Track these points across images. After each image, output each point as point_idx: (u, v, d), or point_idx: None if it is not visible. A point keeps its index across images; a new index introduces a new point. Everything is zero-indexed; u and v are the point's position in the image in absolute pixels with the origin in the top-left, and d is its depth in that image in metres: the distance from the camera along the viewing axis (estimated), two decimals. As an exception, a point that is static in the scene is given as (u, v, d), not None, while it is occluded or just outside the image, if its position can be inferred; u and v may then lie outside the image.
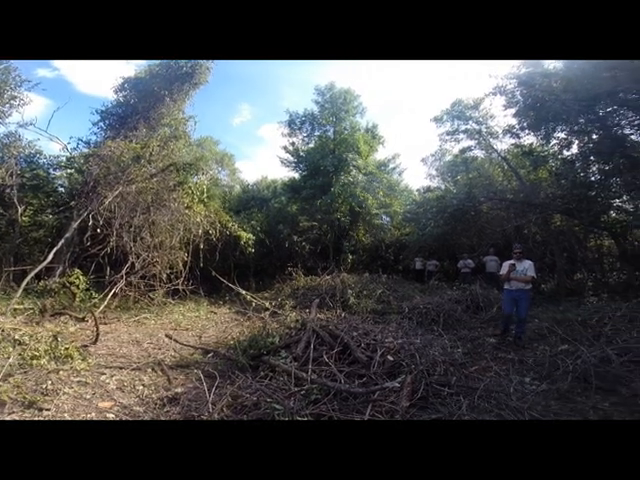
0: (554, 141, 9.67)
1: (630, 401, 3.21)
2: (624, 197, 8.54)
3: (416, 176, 20.71)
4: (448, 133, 14.47)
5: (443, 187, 16.70)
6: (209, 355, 5.20)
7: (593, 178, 8.71)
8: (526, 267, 5.46)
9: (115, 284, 8.28)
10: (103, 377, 4.05)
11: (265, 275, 14.06)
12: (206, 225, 10.21)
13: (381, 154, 17.75)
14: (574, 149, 9.28)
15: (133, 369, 4.38)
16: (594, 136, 8.51)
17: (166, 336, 6.01)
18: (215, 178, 19.64)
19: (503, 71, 11.20)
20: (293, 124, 16.85)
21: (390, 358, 3.90)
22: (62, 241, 8.19)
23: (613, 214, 8.93)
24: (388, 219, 16.82)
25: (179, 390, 3.76)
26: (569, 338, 4.80)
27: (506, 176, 13.41)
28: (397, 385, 3.23)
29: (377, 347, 4.26)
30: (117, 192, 8.61)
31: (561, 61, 9.00)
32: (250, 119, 47.63)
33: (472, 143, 14.09)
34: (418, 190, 18.58)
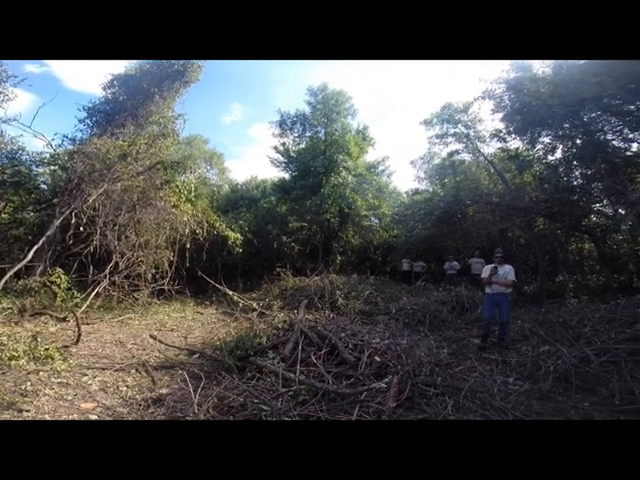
0: (539, 146, 9.92)
1: (609, 401, 3.30)
2: (604, 201, 8.83)
3: (405, 178, 21.01)
4: (437, 136, 14.70)
5: (431, 190, 16.91)
6: (195, 356, 5.13)
7: (575, 183, 8.99)
8: (507, 271, 5.48)
9: (98, 284, 8.09)
10: (85, 378, 3.96)
11: (253, 275, 13.96)
12: (193, 224, 10.08)
13: (371, 156, 17.94)
14: (558, 154, 9.56)
15: (116, 370, 4.30)
16: (578, 141, 8.74)
17: (150, 337, 5.90)
18: (203, 177, 19.43)
19: (493, 75, 11.42)
20: (284, 124, 16.80)
21: (377, 359, 3.93)
22: (43, 239, 7.95)
23: (594, 218, 9.22)
24: (377, 221, 16.94)
25: (164, 391, 3.71)
26: (550, 339, 4.93)
27: (492, 180, 13.68)
28: (384, 386, 3.26)
29: (364, 348, 4.28)
30: (102, 190, 8.42)
31: (550, 66, 9.19)
32: (241, 118, 47.30)
33: (460, 146, 14.34)
34: (406, 192, 18.75)
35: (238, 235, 11.91)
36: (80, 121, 11.44)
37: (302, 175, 15.87)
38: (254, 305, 8.53)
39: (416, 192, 17.45)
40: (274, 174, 23.00)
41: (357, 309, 8.04)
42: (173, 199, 9.88)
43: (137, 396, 3.60)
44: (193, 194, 10.91)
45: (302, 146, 16.92)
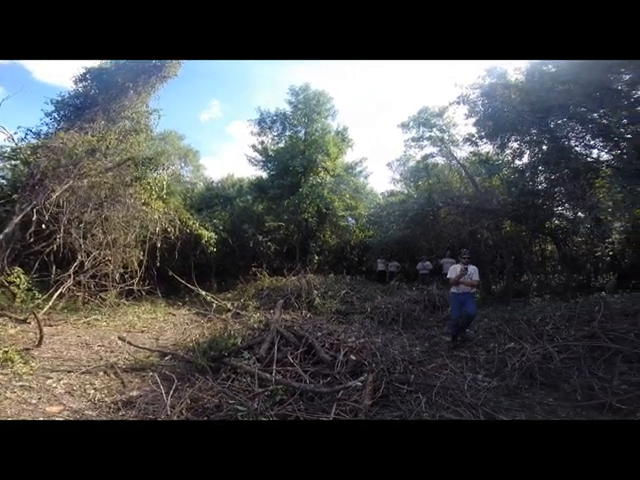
0: (508, 150, 10.31)
1: (571, 396, 3.47)
2: (565, 205, 9.37)
3: (381, 180, 21.41)
4: (413, 139, 15.10)
5: (406, 192, 17.33)
6: (167, 358, 4.97)
7: (540, 187, 9.44)
8: (472, 272, 5.62)
9: (62, 284, 7.67)
10: (49, 381, 3.76)
11: (228, 275, 13.71)
12: (165, 222, 9.76)
13: (349, 157, 18.13)
14: (525, 159, 9.99)
15: (83, 373, 4.11)
16: (544, 147, 9.12)
17: (119, 338, 5.67)
18: (177, 174, 18.87)
19: (469, 80, 11.72)
20: (263, 123, 16.72)
21: (353, 357, 3.98)
22: (1, 237, 7.44)
23: (556, 221, 9.75)
24: (353, 221, 17.16)
25: (134, 393, 3.59)
26: (515, 337, 5.16)
27: (463, 183, 14.18)
28: (359, 384, 3.31)
29: (340, 347, 4.32)
30: (67, 186, 7.98)
31: (523, 73, 9.54)
32: (219, 115, 46.35)
33: (435, 150, 14.78)
34: (382, 194, 19.14)
35: (212, 234, 11.66)
36: (47, 115, 10.84)
37: (280, 174, 15.79)
38: (228, 305, 8.39)
39: (391, 194, 17.86)
40: (251, 173, 22.81)
41: (333, 308, 8.11)
42: (144, 196, 9.52)
43: (106, 399, 3.47)
44: (165, 191, 10.57)
45: (281, 145, 16.85)
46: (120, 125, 10.63)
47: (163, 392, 3.27)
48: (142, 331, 6.82)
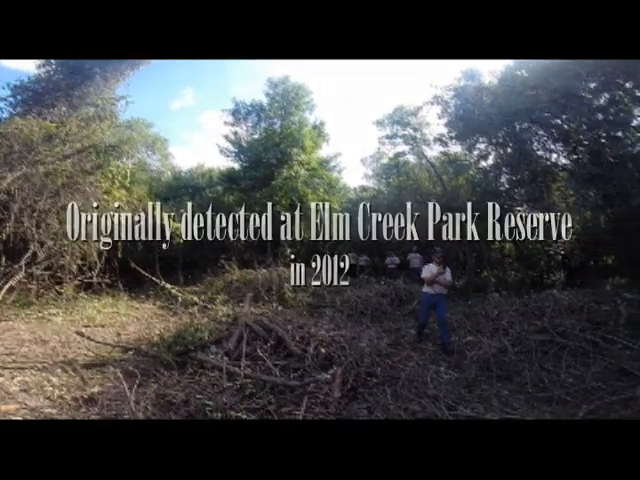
0: (475, 152, 10.76)
1: (524, 389, 3.63)
2: (524, 206, 9.98)
3: (354, 175, 21.68)
4: (387, 137, 15.42)
5: (377, 188, 17.66)
6: (129, 353, 4.80)
7: (502, 188, 9.97)
8: (446, 272, 5.44)
9: (12, 276, 7.13)
10: (1, 379, 3.53)
11: (196, 268, 13.34)
12: (127, 212, 9.33)
13: (324, 151, 18.09)
14: (490, 160, 10.48)
15: (38, 369, 3.89)
16: (508, 149, 9.57)
17: (77, 333, 5.38)
18: (143, 162, 18.06)
19: (445, 82, 12.01)
20: (238, 113, 16.35)
21: (323, 350, 4.05)
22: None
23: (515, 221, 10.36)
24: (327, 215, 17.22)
25: (96, 390, 3.45)
26: (474, 330, 5.39)
27: (432, 181, 14.67)
28: (328, 377, 3.37)
29: (311, 340, 4.37)
30: (19, 173, 7.38)
31: (496, 77, 9.86)
32: (192, 104, 44.38)
33: (407, 148, 15.17)
34: (355, 189, 19.37)
35: (179, 225, 11.27)
36: (1, 99, 10.01)
37: (253, 166, 15.49)
38: (195, 299, 8.20)
39: (363, 189, 18.13)
40: (222, 163, 22.24)
41: (304, 302, 8.14)
42: (105, 185, 9.03)
43: (65, 396, 3.31)
44: (129, 180, 10.07)
45: (256, 137, 16.52)
46: (83, 112, 9.99)
47: (126, 388, 3.17)
48: (102, 326, 6.50)
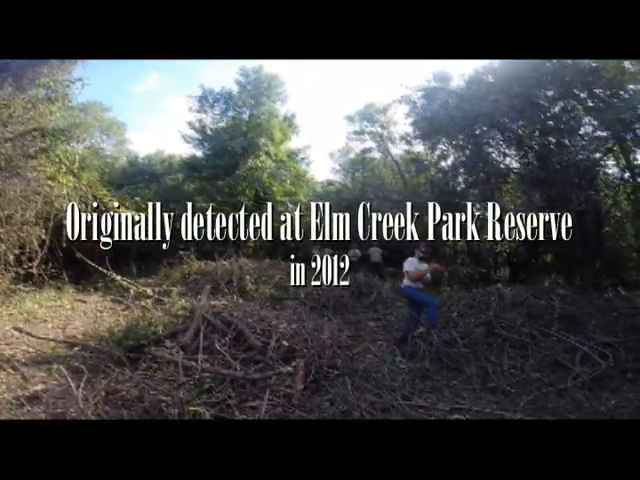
0: (437, 152, 11.22)
1: (472, 380, 3.82)
2: (477, 206, 10.62)
3: (322, 169, 21.83)
4: (356, 133, 15.77)
5: (343, 182, 17.92)
6: (76, 349, 4.49)
7: (458, 188, 10.51)
8: (427, 270, 5.10)
9: None
10: None
11: (150, 259, 12.66)
12: (74, 199, 8.64)
13: (294, 143, 17.93)
14: (450, 161, 10.99)
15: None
16: (467, 151, 10.05)
17: (15, 329, 4.92)
18: (96, 148, 16.93)
19: (414, 82, 12.32)
20: (205, 100, 15.83)
21: (285, 343, 4.05)
22: None
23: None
24: (292, 207, 17.30)
25: (39, 388, 3.23)
26: (426, 323, 5.64)
27: (395, 178, 15.16)
28: (290, 369, 3.39)
29: (272, 332, 4.35)
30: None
31: (464, 80, 10.20)
32: (156, 89, 41.57)
33: (374, 145, 15.53)
34: (321, 183, 19.49)
35: (133, 213, 10.64)
36: None
37: (217, 154, 15.06)
38: (149, 291, 7.83)
39: (330, 183, 18.32)
40: (184, 151, 21.46)
41: (267, 294, 8.07)
42: (50, 170, 8.28)
43: (5, 395, 3.06)
44: (77, 165, 9.37)
45: (222, 125, 16.08)
46: (32, 93, 9.03)
47: (73, 385, 2.96)
48: (45, 320, 6.00)
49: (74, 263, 9.43)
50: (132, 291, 7.79)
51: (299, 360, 3.64)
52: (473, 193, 10.14)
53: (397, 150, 14.81)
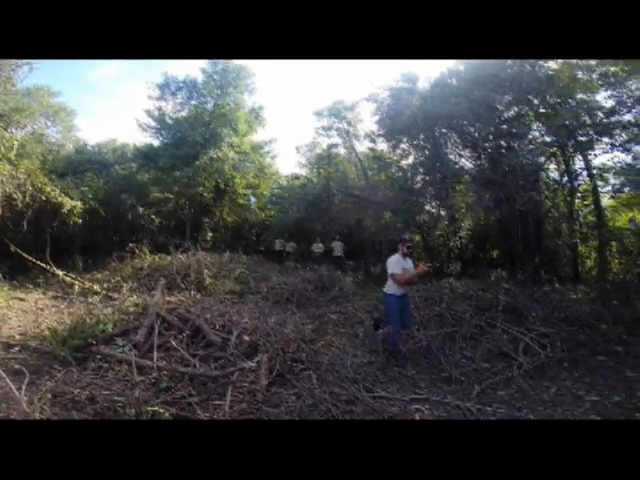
0: (398, 151, 11.59)
1: (428, 370, 4.03)
2: (432, 203, 11.15)
3: (288, 163, 21.75)
4: (323, 128, 15.86)
5: (308, 177, 17.96)
6: (14, 349, 4.11)
7: (416, 186, 10.95)
8: (412, 266, 4.45)
9: None
10: None
11: (98, 252, 11.81)
12: (10, 188, 7.83)
13: (260, 136, 17.52)
14: (410, 160, 11.41)
15: None
16: (426, 151, 10.46)
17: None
18: (39, 134, 15.47)
19: (383, 81, 12.41)
20: (166, 88, 14.97)
21: (246, 338, 3.99)
22: None
23: (424, 217, 11.54)
24: (255, 200, 16.99)
25: (-27, 391, 2.87)
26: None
27: (358, 175, 15.46)
28: (253, 365, 3.35)
29: (233, 328, 4.27)
30: None
31: (430, 82, 10.45)
32: (113, 75, 38.29)
33: (339, 141, 15.76)
34: (287, 176, 19.38)
35: (77, 203, 9.82)
36: None
37: (175, 144, 14.30)
38: (96, 287, 7.32)
39: (295, 177, 18.34)
40: (140, 139, 20.13)
41: (227, 289, 7.88)
42: (-17, 157, 7.44)
43: None
44: (15, 152, 8.50)
45: (183, 114, 15.33)
46: None
47: (14, 388, 2.70)
48: (-26, 320, 5.38)
49: (9, 257, 8.56)
50: (77, 287, 7.24)
51: (262, 355, 3.62)
52: (429, 192, 10.63)
53: (361, 147, 15.13)
